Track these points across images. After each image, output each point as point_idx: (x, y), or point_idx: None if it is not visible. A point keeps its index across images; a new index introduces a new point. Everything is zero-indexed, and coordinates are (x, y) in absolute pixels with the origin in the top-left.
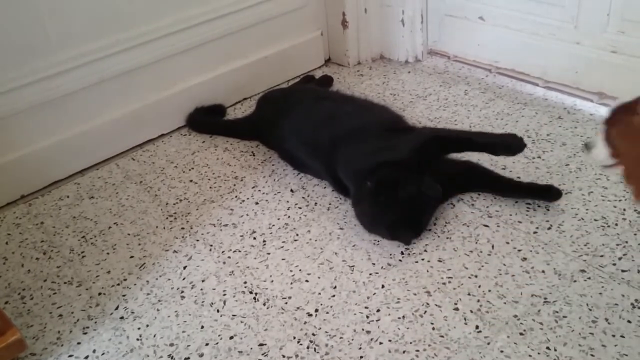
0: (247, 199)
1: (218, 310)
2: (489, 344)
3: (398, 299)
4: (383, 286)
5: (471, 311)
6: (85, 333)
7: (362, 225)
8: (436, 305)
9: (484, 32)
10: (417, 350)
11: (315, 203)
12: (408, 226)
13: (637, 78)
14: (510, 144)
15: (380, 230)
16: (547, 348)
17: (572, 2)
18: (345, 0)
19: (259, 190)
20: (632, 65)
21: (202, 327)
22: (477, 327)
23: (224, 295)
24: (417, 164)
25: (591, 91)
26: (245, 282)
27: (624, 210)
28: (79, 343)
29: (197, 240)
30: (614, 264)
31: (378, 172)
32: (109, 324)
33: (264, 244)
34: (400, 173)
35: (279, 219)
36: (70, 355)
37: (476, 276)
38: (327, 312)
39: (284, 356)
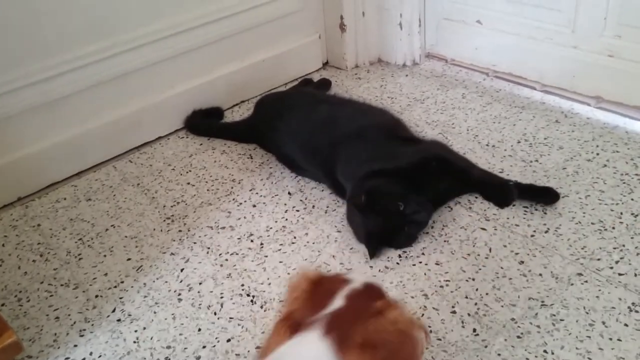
0: (245, 201)
1: (215, 313)
2: (486, 347)
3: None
4: None
5: (469, 314)
6: (82, 335)
7: (348, 222)
8: (433, 308)
9: (481, 35)
10: None
11: (313, 206)
12: (378, 241)
13: (633, 82)
14: (498, 195)
15: (357, 235)
16: (545, 351)
17: (569, 7)
18: (343, 4)
19: (257, 193)
20: (629, 70)
21: (199, 329)
22: (474, 330)
23: (221, 297)
24: (416, 177)
25: (588, 95)
26: (242, 285)
27: (621, 213)
28: (75, 345)
29: (195, 243)
30: (611, 268)
31: (371, 182)
32: (106, 326)
33: (262, 247)
34: (391, 187)
35: (276, 221)
36: (66, 358)
37: (473, 279)
38: None
39: None
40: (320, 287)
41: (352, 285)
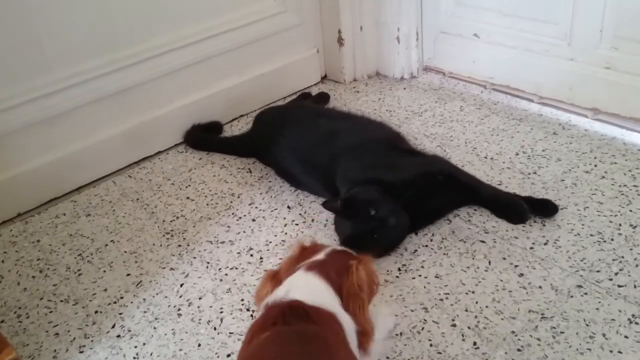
0: (244, 215)
1: (215, 328)
2: None
3: (395, 315)
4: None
5: (469, 327)
6: (81, 352)
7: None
8: (434, 321)
9: (478, 49)
10: None
11: (312, 220)
12: (350, 244)
13: (630, 94)
14: (513, 213)
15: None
16: None
17: (566, 19)
18: (341, 18)
19: (256, 207)
20: (625, 82)
21: (199, 345)
22: (474, 343)
23: (221, 312)
24: (416, 189)
25: (585, 107)
26: (242, 300)
27: (620, 225)
28: None
29: (194, 258)
30: (611, 279)
31: (356, 188)
32: (106, 342)
33: (261, 261)
34: (370, 193)
35: (275, 235)
36: None
37: (473, 292)
38: None
39: None
40: (307, 250)
41: (331, 248)
